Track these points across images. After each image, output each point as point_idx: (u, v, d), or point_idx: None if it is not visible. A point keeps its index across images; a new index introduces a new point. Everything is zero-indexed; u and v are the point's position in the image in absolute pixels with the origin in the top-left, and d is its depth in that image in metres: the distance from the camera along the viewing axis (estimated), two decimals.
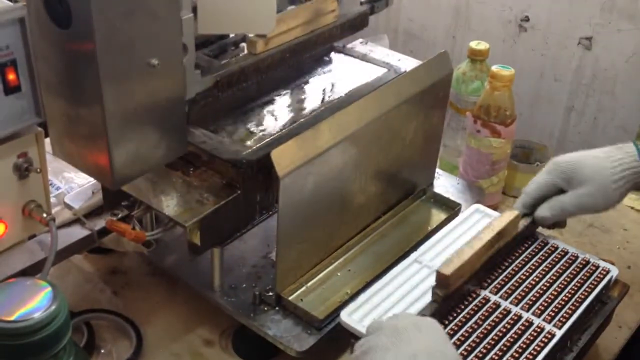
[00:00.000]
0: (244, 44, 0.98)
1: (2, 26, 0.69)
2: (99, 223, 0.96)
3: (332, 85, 1.05)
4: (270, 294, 0.94)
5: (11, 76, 0.72)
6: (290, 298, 0.94)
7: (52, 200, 0.93)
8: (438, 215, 1.10)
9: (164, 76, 0.78)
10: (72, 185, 1.10)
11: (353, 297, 0.95)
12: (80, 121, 0.78)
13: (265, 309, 0.94)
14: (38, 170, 0.80)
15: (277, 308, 0.94)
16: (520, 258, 0.97)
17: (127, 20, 0.71)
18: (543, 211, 0.97)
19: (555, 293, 0.91)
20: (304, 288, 0.96)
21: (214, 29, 0.78)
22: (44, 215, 0.82)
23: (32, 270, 0.88)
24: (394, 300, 0.92)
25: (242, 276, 0.99)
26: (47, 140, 0.83)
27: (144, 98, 0.78)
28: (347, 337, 0.87)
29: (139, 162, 0.81)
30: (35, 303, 0.64)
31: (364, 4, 1.09)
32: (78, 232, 0.95)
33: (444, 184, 1.17)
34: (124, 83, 0.75)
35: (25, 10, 0.71)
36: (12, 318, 0.63)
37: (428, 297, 0.92)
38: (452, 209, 1.11)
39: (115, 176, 0.79)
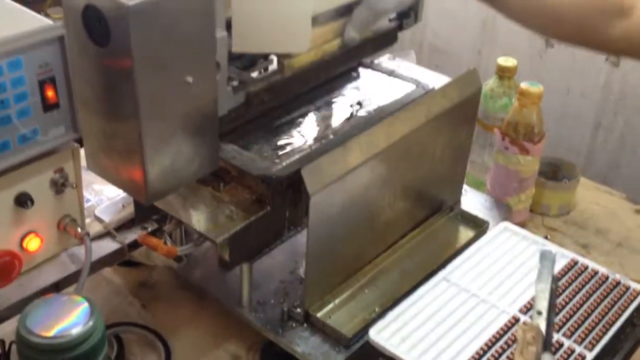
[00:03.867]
0: (273, 57, 0.99)
1: (42, 44, 0.70)
2: (129, 236, 0.97)
3: (361, 101, 1.05)
4: (299, 310, 0.94)
5: (50, 93, 0.73)
6: (318, 315, 0.94)
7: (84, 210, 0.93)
8: (465, 233, 1.10)
9: (197, 93, 0.79)
10: (102, 197, 1.11)
11: (381, 314, 0.95)
12: (115, 137, 0.78)
13: (293, 325, 0.94)
14: (74, 185, 0.81)
15: (305, 324, 0.94)
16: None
17: (164, 40, 0.72)
18: (351, 32, 0.96)
19: (586, 314, 0.91)
20: (332, 305, 0.96)
21: (248, 47, 0.79)
22: (79, 229, 0.83)
23: (64, 283, 0.89)
24: (422, 319, 0.92)
25: (270, 291, 0.99)
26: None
27: (178, 114, 0.78)
28: (375, 355, 0.87)
29: (173, 178, 0.81)
30: (72, 319, 0.65)
31: (393, 21, 1.09)
32: (109, 246, 0.96)
33: (472, 200, 1.17)
34: (159, 100, 0.75)
35: (65, 29, 0.72)
36: (51, 334, 0.64)
37: (456, 316, 0.92)
38: (479, 227, 1.11)
39: (149, 192, 0.80)
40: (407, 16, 1.08)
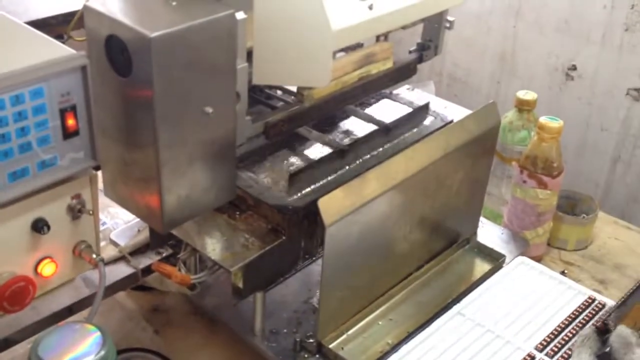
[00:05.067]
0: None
1: (64, 73, 0.71)
2: (144, 261, 0.97)
3: (379, 131, 1.05)
4: (311, 340, 0.94)
5: (70, 121, 0.73)
6: (331, 346, 0.93)
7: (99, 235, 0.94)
8: (482, 266, 1.09)
9: (217, 123, 0.79)
10: (117, 221, 1.11)
11: (394, 347, 0.94)
12: (134, 165, 0.79)
13: (306, 355, 0.94)
14: (90, 212, 0.81)
15: (317, 356, 0.93)
16: (567, 314, 0.96)
17: (186, 71, 0.73)
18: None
19: None
20: (345, 336, 0.95)
21: (269, 80, 0.79)
22: (94, 256, 0.83)
23: (78, 307, 0.89)
24: (436, 353, 0.91)
25: (282, 321, 0.99)
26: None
27: (197, 144, 0.79)
28: None
29: (189, 207, 0.82)
30: (84, 348, 0.65)
31: (413, 52, 1.09)
32: (123, 270, 0.96)
33: (488, 233, 1.16)
34: (178, 130, 0.76)
35: (87, 59, 0.73)
36: None
37: (471, 351, 0.91)
38: (496, 260, 1.10)
39: (165, 220, 0.80)
40: (427, 48, 1.08)
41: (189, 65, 0.73)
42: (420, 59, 1.08)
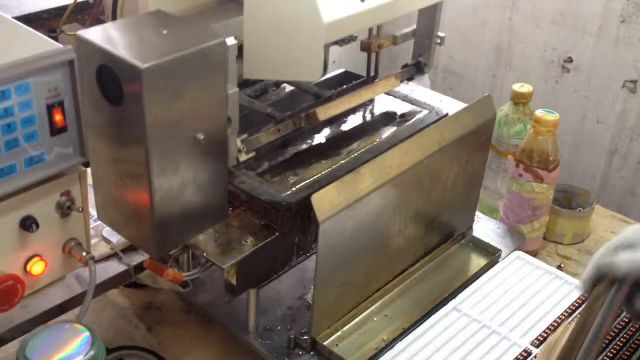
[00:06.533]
0: (284, 85, 0.99)
1: (51, 69, 0.70)
2: (136, 259, 0.96)
3: (374, 126, 1.04)
4: (306, 338, 0.93)
5: (58, 117, 0.72)
6: (325, 343, 0.92)
7: (90, 232, 0.93)
8: (478, 261, 1.08)
9: (208, 149, 0.78)
10: None
11: (390, 344, 0.93)
12: (126, 192, 0.78)
13: (300, 353, 0.93)
14: (80, 209, 0.80)
15: (312, 353, 0.93)
16: (564, 309, 0.95)
17: (177, 100, 0.72)
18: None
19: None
20: (339, 333, 0.94)
21: (260, 74, 0.78)
22: (84, 254, 0.82)
23: (69, 305, 0.89)
24: (432, 350, 0.91)
25: (277, 318, 0.98)
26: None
27: (189, 170, 0.78)
28: None
29: (181, 232, 0.81)
30: (73, 348, 0.64)
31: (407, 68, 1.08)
32: (115, 268, 0.95)
33: (484, 227, 1.15)
34: (170, 157, 0.75)
35: (74, 54, 0.71)
36: None
37: (467, 348, 0.91)
38: (492, 255, 1.09)
39: (158, 247, 0.79)
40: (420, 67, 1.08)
41: (181, 94, 0.72)
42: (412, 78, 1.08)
